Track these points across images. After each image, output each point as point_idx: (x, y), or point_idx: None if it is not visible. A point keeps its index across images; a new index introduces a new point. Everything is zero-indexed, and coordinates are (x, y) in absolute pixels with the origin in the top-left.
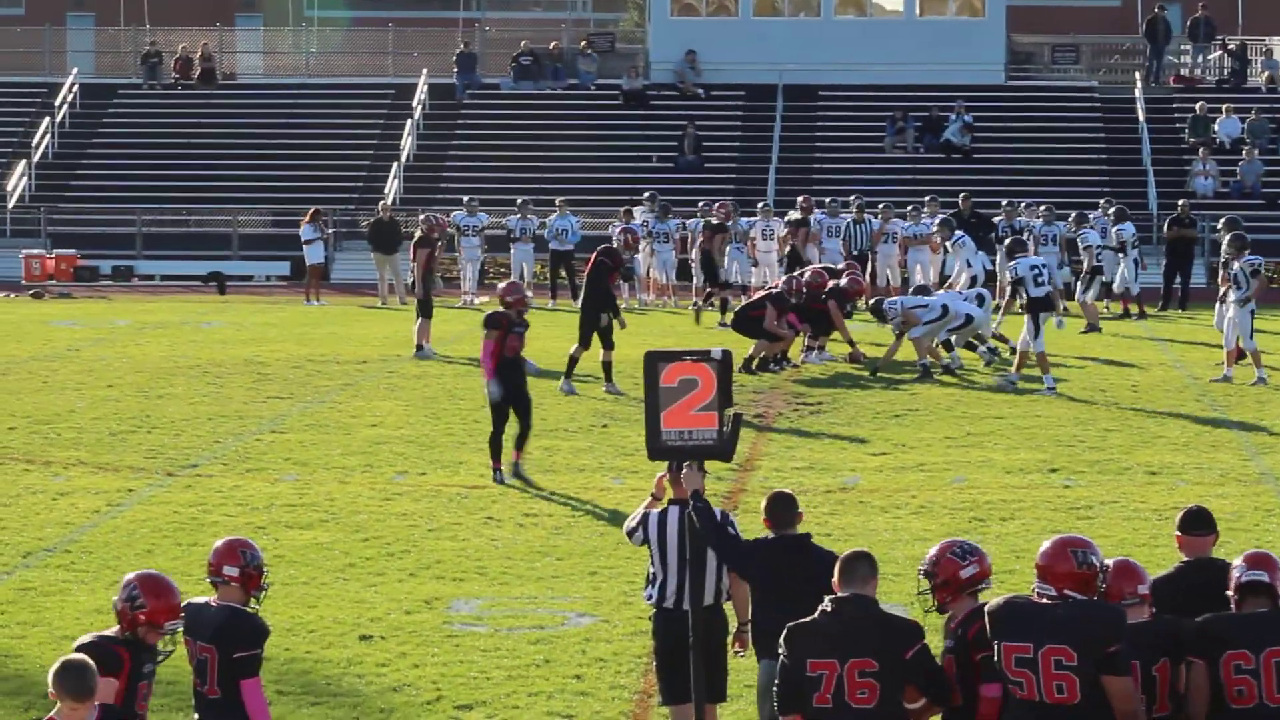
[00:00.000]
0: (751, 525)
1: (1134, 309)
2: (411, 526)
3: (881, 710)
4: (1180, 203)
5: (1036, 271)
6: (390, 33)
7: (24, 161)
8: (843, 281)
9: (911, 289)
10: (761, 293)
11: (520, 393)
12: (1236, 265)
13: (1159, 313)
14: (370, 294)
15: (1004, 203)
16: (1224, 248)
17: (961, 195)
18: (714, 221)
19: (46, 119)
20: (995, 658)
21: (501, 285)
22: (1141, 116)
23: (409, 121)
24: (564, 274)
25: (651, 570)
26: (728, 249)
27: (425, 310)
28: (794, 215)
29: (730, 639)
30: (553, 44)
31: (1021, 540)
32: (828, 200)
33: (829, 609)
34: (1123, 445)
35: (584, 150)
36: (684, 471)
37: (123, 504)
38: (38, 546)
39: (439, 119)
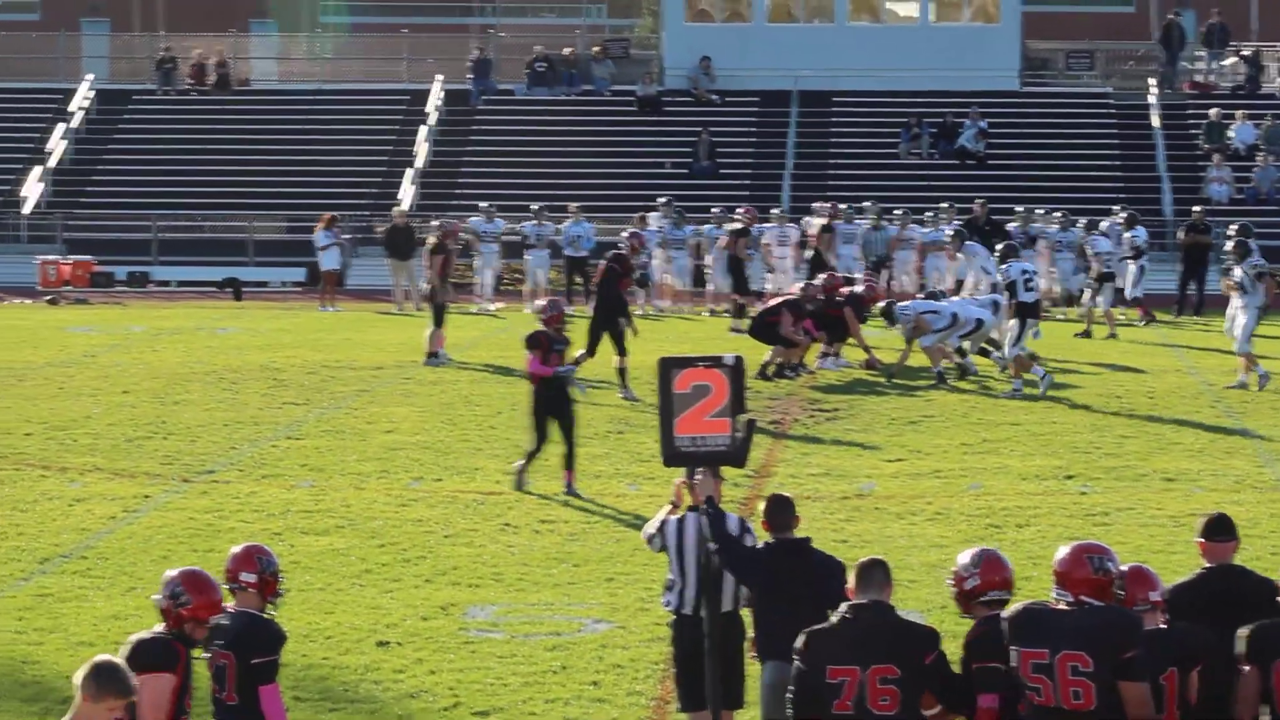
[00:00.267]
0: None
1: (1131, 314)
2: (428, 533)
3: (902, 717)
4: (1195, 209)
5: (1027, 276)
6: (405, 39)
7: (39, 168)
8: (859, 288)
9: (924, 294)
10: (778, 299)
11: (564, 410)
12: (1239, 270)
13: (1174, 319)
14: (385, 300)
15: (1019, 209)
16: (1228, 252)
17: (977, 201)
18: (737, 226)
19: (62, 125)
20: (1013, 663)
21: (539, 303)
22: (1156, 123)
23: (424, 127)
24: (579, 280)
25: (670, 577)
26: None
27: (441, 318)
28: (820, 221)
29: (747, 645)
30: (567, 50)
31: (1037, 547)
32: (842, 207)
33: (847, 615)
34: (1139, 452)
35: (598, 156)
36: (697, 478)
37: (139, 510)
38: (54, 553)
39: (454, 125)
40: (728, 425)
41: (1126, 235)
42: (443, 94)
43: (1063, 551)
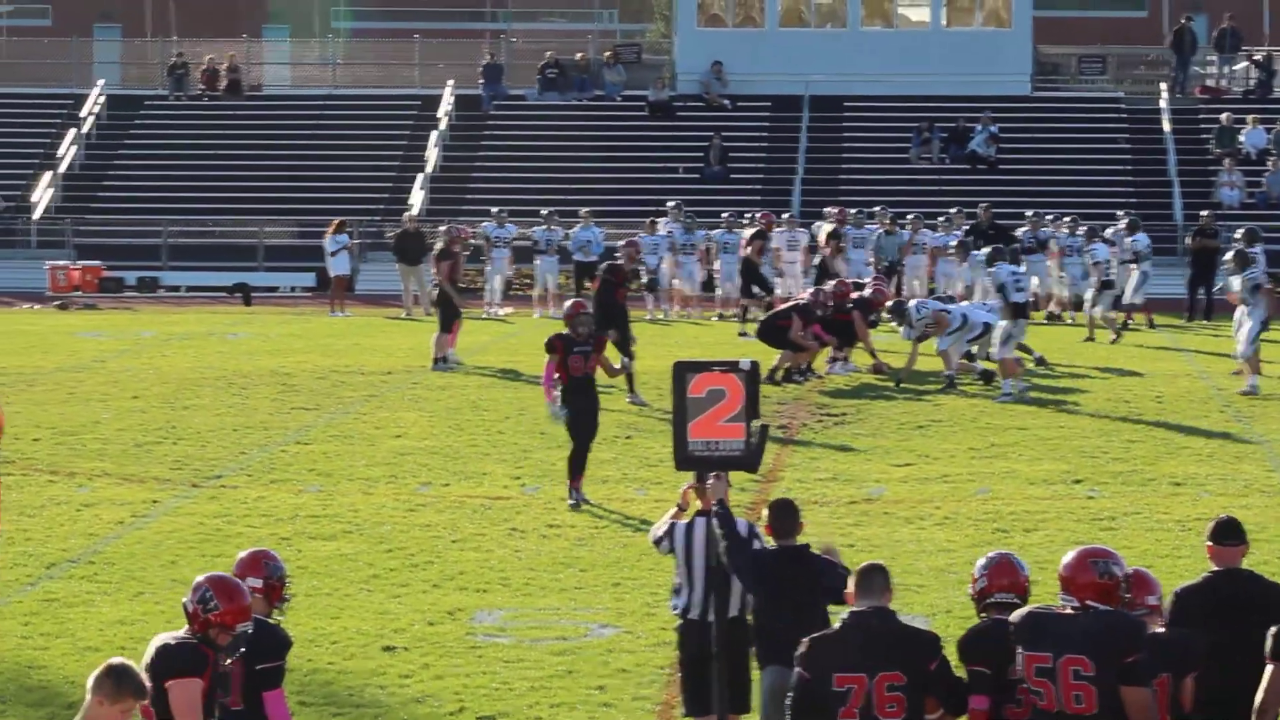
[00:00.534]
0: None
1: (1138, 320)
2: (435, 538)
3: None
4: (1203, 213)
5: (1016, 278)
6: (416, 44)
7: (50, 173)
8: (867, 292)
9: (932, 299)
10: (788, 303)
11: (591, 416)
12: (1236, 282)
13: (1184, 324)
14: (395, 305)
15: (1029, 213)
16: (1227, 261)
17: (982, 206)
18: (756, 229)
19: (73, 130)
20: (1018, 667)
21: (566, 305)
22: (1167, 127)
23: (434, 133)
24: (588, 285)
25: (677, 581)
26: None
27: (450, 323)
28: (829, 226)
29: (753, 650)
30: (579, 55)
31: (1045, 551)
32: (853, 212)
33: (851, 622)
34: (1146, 456)
35: (609, 161)
36: (709, 482)
37: (147, 515)
38: (62, 558)
39: (465, 130)
40: (742, 430)
41: (1128, 241)
42: (454, 99)
43: (1068, 556)
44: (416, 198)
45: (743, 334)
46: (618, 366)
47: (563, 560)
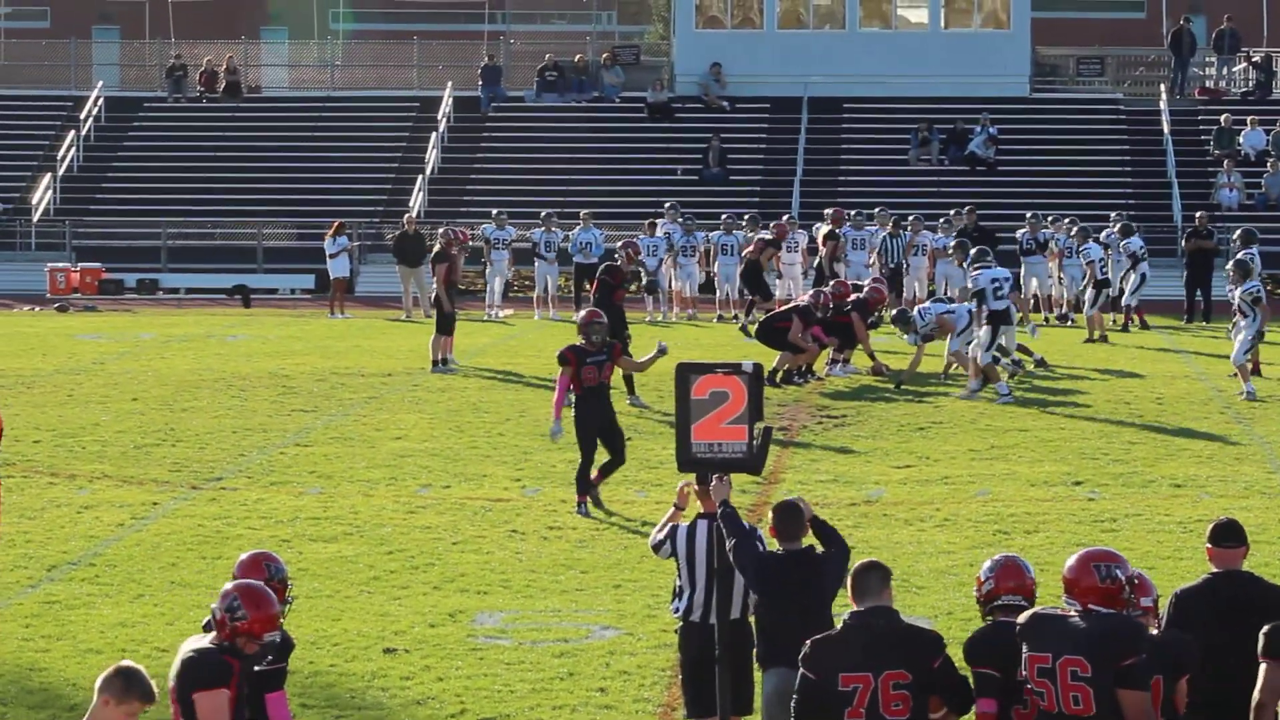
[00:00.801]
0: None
1: (1134, 321)
2: (436, 540)
3: None
4: (1198, 214)
5: (997, 285)
6: (415, 45)
7: (49, 175)
8: (865, 293)
9: (931, 301)
10: (788, 305)
11: (609, 424)
12: (1237, 295)
13: (1183, 325)
14: (395, 307)
15: (1028, 215)
16: (1228, 273)
17: (967, 209)
18: (768, 236)
19: (72, 132)
20: (1023, 668)
21: (580, 314)
22: (1166, 128)
23: (434, 134)
24: (588, 287)
25: (679, 583)
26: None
27: (448, 325)
28: (826, 228)
29: (755, 652)
30: (577, 57)
31: (1046, 553)
32: (852, 213)
33: (853, 622)
34: (1147, 458)
35: (608, 163)
36: (713, 484)
37: (147, 517)
38: (62, 560)
39: (464, 132)
40: (745, 432)
41: (1122, 244)
42: (453, 101)
43: (1071, 559)
44: (416, 199)
45: (744, 329)
46: (641, 360)
47: (563, 562)
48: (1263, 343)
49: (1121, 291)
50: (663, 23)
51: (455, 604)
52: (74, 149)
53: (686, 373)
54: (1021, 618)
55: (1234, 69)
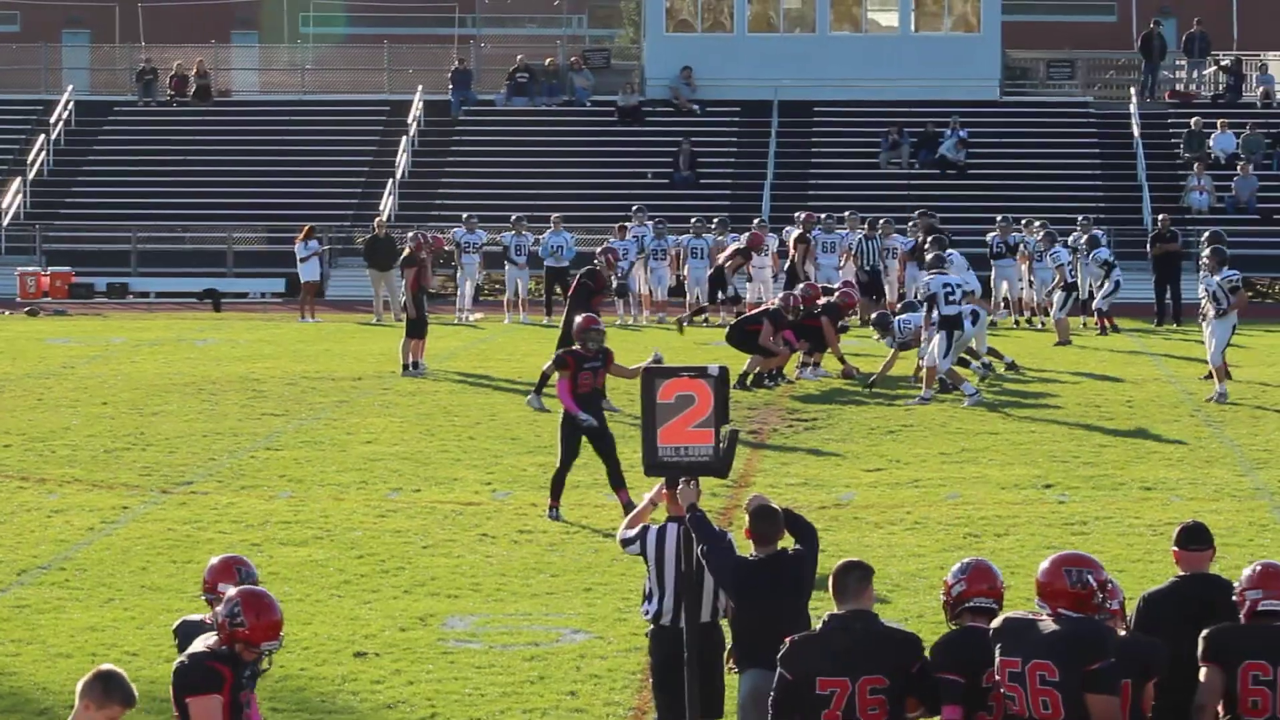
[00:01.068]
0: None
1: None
2: (406, 543)
3: None
4: (1160, 217)
5: (949, 289)
6: (386, 49)
7: (19, 178)
8: (835, 297)
9: (901, 305)
10: (759, 308)
11: (599, 429)
12: (1216, 281)
13: (1153, 328)
14: (365, 311)
15: (999, 218)
16: (1202, 262)
17: (918, 212)
18: (740, 245)
19: (42, 136)
20: (995, 671)
21: (578, 320)
22: (1136, 132)
23: (404, 138)
24: (559, 291)
25: (648, 586)
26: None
27: (418, 329)
28: (798, 231)
29: (726, 655)
30: (548, 60)
31: (1016, 556)
32: (823, 216)
33: (831, 625)
34: (1117, 460)
35: (579, 167)
36: (679, 488)
37: (117, 521)
38: (32, 564)
39: (434, 135)
40: (711, 435)
41: (1090, 255)
42: (423, 104)
43: (1045, 563)
44: (386, 203)
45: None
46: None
47: (534, 566)
48: (1229, 345)
49: (1092, 296)
50: (633, 26)
51: (426, 608)
52: (44, 153)
53: (652, 377)
54: (995, 622)
55: (1204, 72)
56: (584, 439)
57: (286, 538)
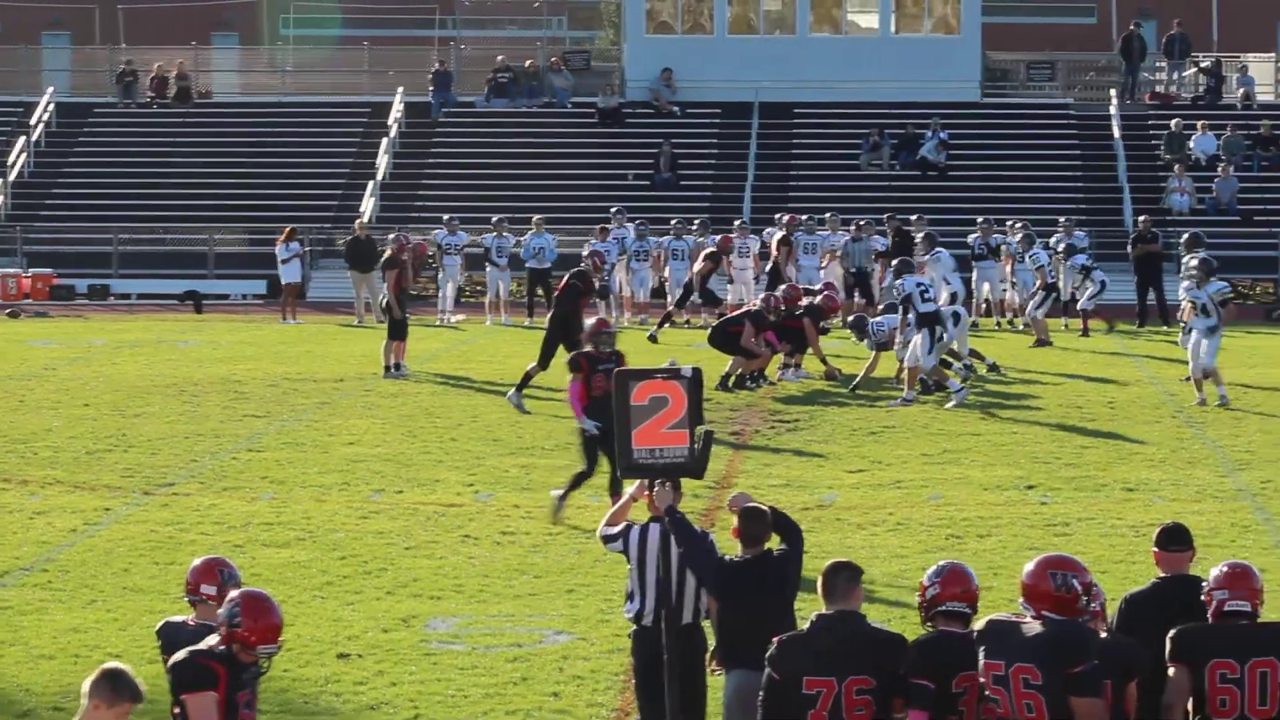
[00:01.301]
0: (728, 544)
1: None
2: (389, 545)
3: None
4: (1141, 219)
5: (923, 289)
6: (366, 51)
7: (0, 180)
8: (817, 299)
9: (882, 306)
10: (740, 309)
11: (609, 434)
12: (1208, 294)
13: (1135, 329)
14: (347, 312)
15: (980, 220)
16: (1190, 272)
17: (886, 216)
18: (711, 250)
19: (22, 138)
20: (980, 675)
21: (589, 323)
22: (1117, 133)
23: (385, 140)
24: (540, 292)
25: (630, 587)
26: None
27: (400, 331)
28: (781, 233)
29: (708, 657)
30: (528, 62)
31: (999, 557)
32: (804, 218)
33: (818, 625)
34: (1099, 461)
35: (560, 168)
36: (655, 490)
37: (100, 523)
38: (14, 565)
39: (415, 137)
40: (686, 437)
41: (1068, 262)
42: (404, 106)
43: (1030, 565)
44: (367, 205)
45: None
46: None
47: (517, 567)
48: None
49: (1074, 298)
50: (613, 28)
51: (408, 609)
52: (24, 155)
53: (626, 379)
54: (978, 624)
55: (1184, 74)
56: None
57: (269, 539)
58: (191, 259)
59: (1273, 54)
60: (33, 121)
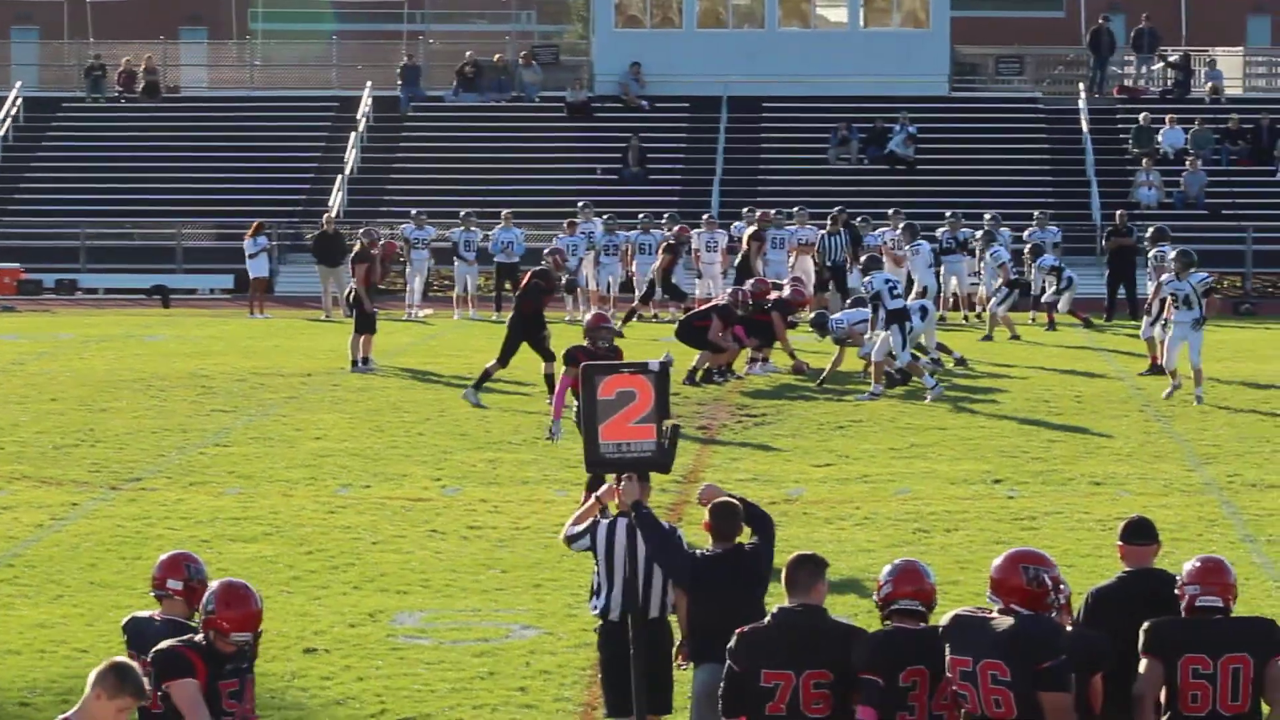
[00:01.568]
0: (696, 536)
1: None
2: (355, 539)
3: (835, 718)
4: (1118, 213)
5: (891, 285)
6: (334, 45)
7: None
8: (786, 292)
9: (850, 300)
10: (708, 304)
11: None
12: (1191, 284)
13: (1104, 323)
14: (314, 307)
15: (948, 214)
16: (1170, 264)
17: (836, 209)
18: (670, 243)
19: None
20: (946, 670)
21: (587, 317)
22: (1085, 127)
23: (353, 134)
24: (508, 286)
25: (596, 581)
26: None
27: (368, 325)
28: (752, 228)
29: (674, 651)
30: (496, 56)
31: (965, 551)
32: (772, 213)
33: (779, 618)
34: (1066, 456)
35: (528, 162)
36: (623, 484)
37: (66, 518)
38: None
39: (383, 131)
40: (653, 431)
41: (1036, 263)
42: (372, 100)
43: (1000, 559)
44: (335, 199)
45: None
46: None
47: (483, 562)
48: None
49: (1043, 291)
50: (582, 22)
51: (375, 604)
52: None
53: (592, 373)
54: (944, 619)
55: (1153, 68)
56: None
57: (236, 534)
58: (159, 253)
59: (1240, 48)
60: (0, 115)
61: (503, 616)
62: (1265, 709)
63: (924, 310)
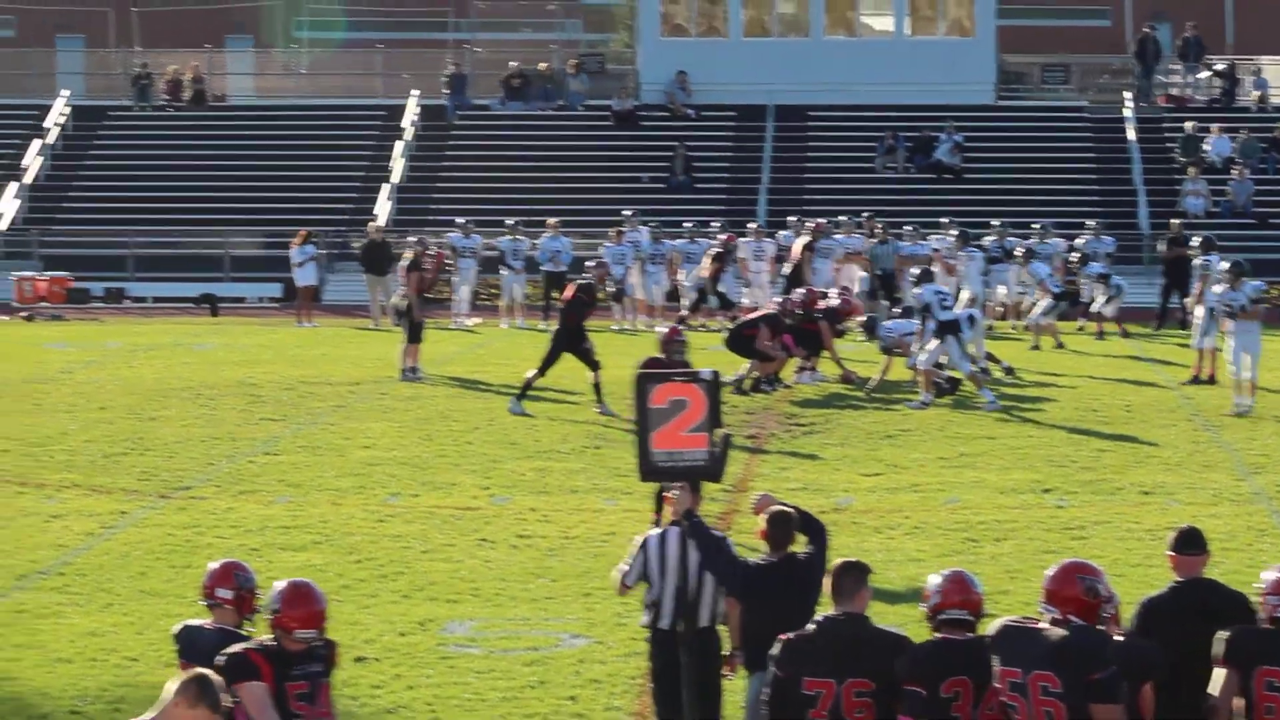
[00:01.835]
0: (746, 545)
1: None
2: (405, 548)
3: None
4: (1174, 222)
5: (942, 297)
6: (381, 54)
7: (15, 184)
8: (835, 302)
9: (900, 311)
10: (757, 313)
11: None
12: (1244, 296)
13: (1154, 332)
14: (362, 315)
15: (995, 223)
16: (1219, 274)
17: (865, 216)
18: (717, 251)
19: (38, 141)
20: (994, 681)
21: (662, 331)
22: (1132, 136)
23: (400, 143)
24: (556, 295)
25: (649, 597)
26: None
27: (416, 334)
28: (805, 239)
29: (739, 659)
30: (543, 65)
31: (1015, 561)
32: (823, 222)
33: (822, 626)
34: (1115, 465)
35: (574, 171)
36: (674, 493)
37: (116, 526)
38: (31, 569)
39: (430, 140)
40: (705, 440)
41: (1082, 272)
42: (419, 109)
43: (1054, 569)
44: (382, 208)
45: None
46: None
47: (533, 570)
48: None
49: (1093, 299)
50: (628, 31)
51: (425, 612)
52: (41, 158)
53: (644, 382)
54: (991, 629)
55: (1199, 76)
56: None
57: (285, 543)
58: (207, 262)
59: None
60: (48, 125)
61: (552, 625)
62: None
63: (972, 319)
